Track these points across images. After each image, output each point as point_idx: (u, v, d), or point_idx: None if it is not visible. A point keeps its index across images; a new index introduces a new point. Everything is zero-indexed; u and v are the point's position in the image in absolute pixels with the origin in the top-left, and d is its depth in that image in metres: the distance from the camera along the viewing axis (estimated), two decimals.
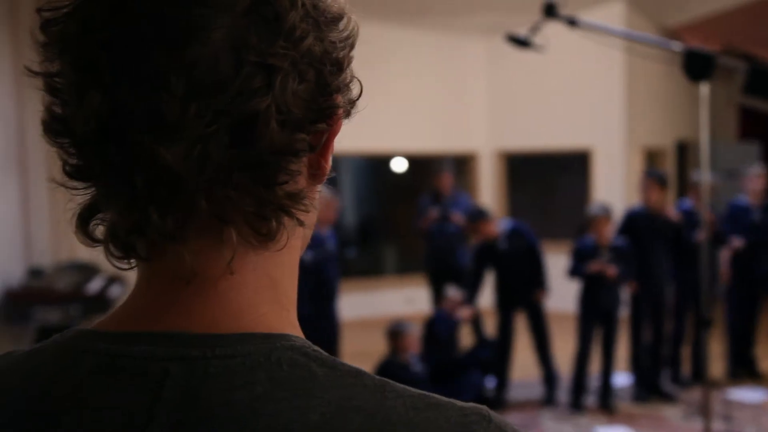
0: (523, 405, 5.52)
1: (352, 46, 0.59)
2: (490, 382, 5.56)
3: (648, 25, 8.45)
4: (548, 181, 9.42)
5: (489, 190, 9.40)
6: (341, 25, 0.58)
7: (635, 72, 8.35)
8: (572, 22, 4.23)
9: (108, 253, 0.55)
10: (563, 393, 5.57)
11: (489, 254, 5.57)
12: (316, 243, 4.72)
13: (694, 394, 5.45)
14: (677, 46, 3.88)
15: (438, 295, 6.71)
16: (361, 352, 6.03)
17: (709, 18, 8.07)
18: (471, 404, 0.56)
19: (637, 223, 5.53)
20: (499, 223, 5.68)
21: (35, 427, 0.52)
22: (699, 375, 5.64)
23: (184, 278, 0.54)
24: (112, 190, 0.53)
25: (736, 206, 6.08)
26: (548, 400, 5.51)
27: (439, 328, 5.41)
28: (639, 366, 5.55)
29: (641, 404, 5.46)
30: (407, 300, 8.22)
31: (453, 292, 5.61)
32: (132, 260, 0.55)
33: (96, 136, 0.51)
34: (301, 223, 0.57)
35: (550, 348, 5.60)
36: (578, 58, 7.98)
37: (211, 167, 0.51)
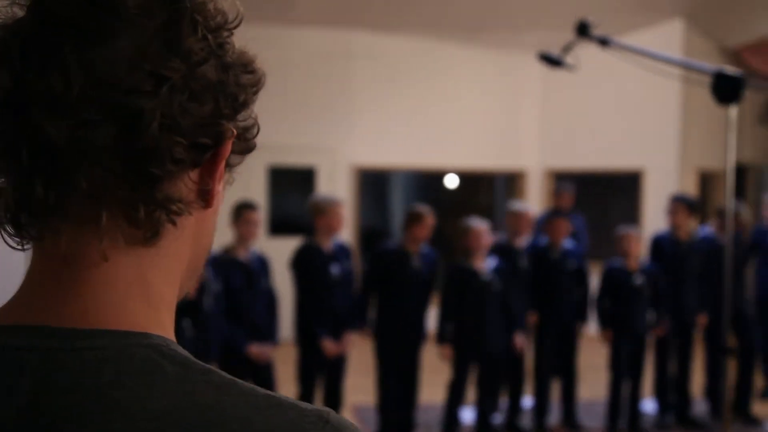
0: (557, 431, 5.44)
1: (255, 93, 0.66)
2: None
3: (708, 44, 8.25)
4: (599, 201, 9.27)
5: (536, 209, 9.30)
6: (249, 72, 0.65)
7: (692, 90, 8.15)
8: (604, 42, 4.19)
9: (4, 232, 0.60)
10: (597, 418, 5.47)
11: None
12: (327, 257, 4.47)
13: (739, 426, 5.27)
14: (708, 67, 3.80)
15: None
16: None
17: None
18: (317, 407, 0.59)
19: (663, 247, 5.38)
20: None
21: None
22: (739, 406, 5.45)
23: (62, 259, 0.59)
24: (4, 165, 0.59)
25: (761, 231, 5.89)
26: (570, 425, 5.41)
27: None
28: (665, 394, 5.40)
29: None
30: None
31: None
32: (26, 241, 0.61)
33: None
34: (172, 222, 0.61)
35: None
36: (633, 76, 7.84)
37: (93, 150, 0.57)
